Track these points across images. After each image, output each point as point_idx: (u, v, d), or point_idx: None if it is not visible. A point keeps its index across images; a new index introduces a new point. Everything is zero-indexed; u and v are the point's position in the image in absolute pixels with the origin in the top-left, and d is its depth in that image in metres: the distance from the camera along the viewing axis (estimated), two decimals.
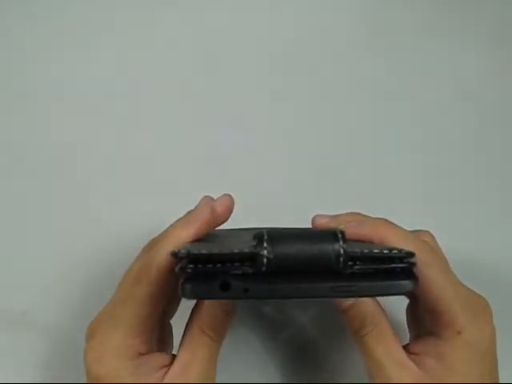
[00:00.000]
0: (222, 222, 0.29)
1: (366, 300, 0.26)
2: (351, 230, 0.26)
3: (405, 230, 0.27)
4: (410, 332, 0.31)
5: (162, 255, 0.25)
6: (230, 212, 0.28)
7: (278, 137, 0.40)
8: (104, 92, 0.41)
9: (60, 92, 0.41)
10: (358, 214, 0.29)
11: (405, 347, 0.26)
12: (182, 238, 0.26)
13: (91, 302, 0.35)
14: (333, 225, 0.28)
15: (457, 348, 0.25)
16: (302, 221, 0.29)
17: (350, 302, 0.26)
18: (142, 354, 0.25)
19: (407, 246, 0.23)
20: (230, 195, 0.29)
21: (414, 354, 0.26)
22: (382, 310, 0.27)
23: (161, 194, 0.39)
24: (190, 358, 0.25)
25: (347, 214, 0.29)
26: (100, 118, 0.40)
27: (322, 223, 0.28)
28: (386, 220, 0.28)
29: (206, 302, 0.26)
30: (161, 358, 0.26)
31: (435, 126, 0.41)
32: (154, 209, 0.37)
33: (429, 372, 0.25)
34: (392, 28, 0.43)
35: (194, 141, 0.40)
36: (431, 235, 0.29)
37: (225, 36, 0.42)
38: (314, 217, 0.29)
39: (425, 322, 0.27)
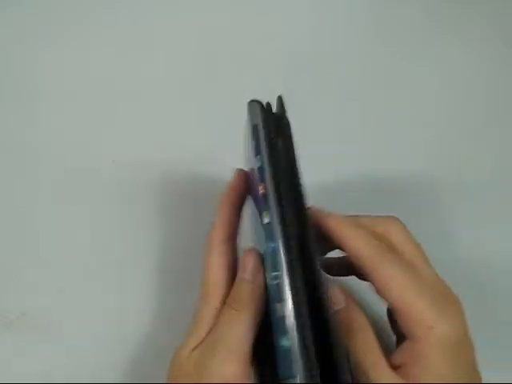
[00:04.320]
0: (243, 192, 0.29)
1: (355, 307, 0.26)
2: (318, 215, 0.27)
3: (366, 232, 0.26)
4: (394, 335, 0.29)
5: None
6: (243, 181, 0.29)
7: None
8: (103, 92, 0.41)
9: (60, 92, 0.41)
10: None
11: (389, 360, 0.25)
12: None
13: (91, 302, 0.35)
14: (328, 221, 0.27)
15: (431, 345, 0.24)
16: None
17: (338, 307, 0.26)
18: None
19: (360, 249, 0.25)
20: (240, 169, 0.29)
21: (397, 367, 0.25)
22: (368, 320, 0.26)
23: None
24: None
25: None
26: (101, 119, 0.41)
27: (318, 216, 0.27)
28: (354, 220, 0.27)
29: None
30: None
31: (435, 125, 0.42)
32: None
33: (413, 381, 0.24)
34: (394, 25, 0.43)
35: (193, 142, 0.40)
36: (398, 223, 0.28)
37: (226, 36, 0.42)
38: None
39: (399, 326, 0.26)
